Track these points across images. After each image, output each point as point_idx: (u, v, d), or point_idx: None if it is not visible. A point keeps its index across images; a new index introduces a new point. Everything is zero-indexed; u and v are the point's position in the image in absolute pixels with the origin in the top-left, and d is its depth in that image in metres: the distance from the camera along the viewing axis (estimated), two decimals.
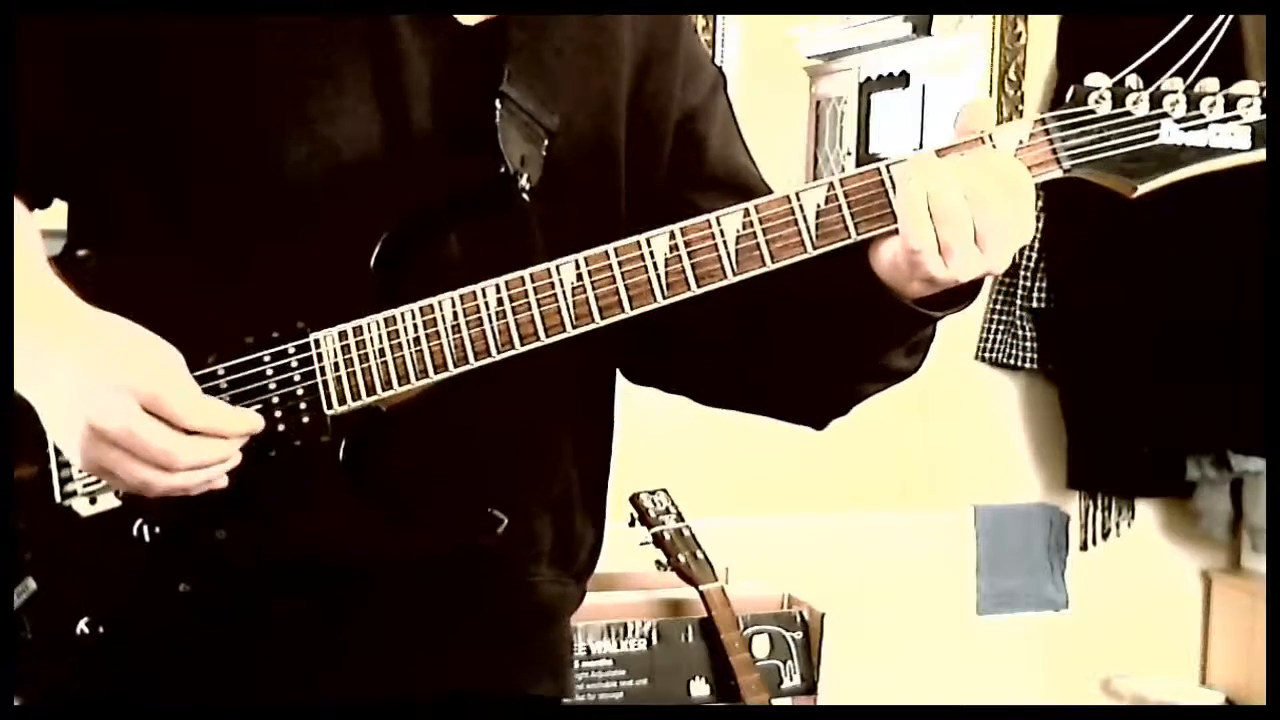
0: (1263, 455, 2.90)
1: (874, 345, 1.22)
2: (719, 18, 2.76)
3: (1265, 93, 1.14)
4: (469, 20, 1.22)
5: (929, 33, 2.94)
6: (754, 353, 1.27)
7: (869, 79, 2.93)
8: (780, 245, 1.14)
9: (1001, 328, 3.05)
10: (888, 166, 1.14)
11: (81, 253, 1.20)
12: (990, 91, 2.97)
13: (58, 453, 1.16)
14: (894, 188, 1.13)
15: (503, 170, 1.15)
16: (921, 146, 2.92)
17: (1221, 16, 1.19)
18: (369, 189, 1.16)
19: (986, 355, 3.07)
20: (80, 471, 1.15)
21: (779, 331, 1.25)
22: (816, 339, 1.23)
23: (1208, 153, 1.15)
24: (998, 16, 2.97)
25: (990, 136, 1.14)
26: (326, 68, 1.18)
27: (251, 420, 1.12)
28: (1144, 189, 1.16)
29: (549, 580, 1.29)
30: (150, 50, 1.17)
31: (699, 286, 1.14)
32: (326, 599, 1.18)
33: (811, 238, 1.14)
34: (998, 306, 3.06)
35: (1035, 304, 3.01)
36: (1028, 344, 3.03)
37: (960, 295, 1.18)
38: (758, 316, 1.23)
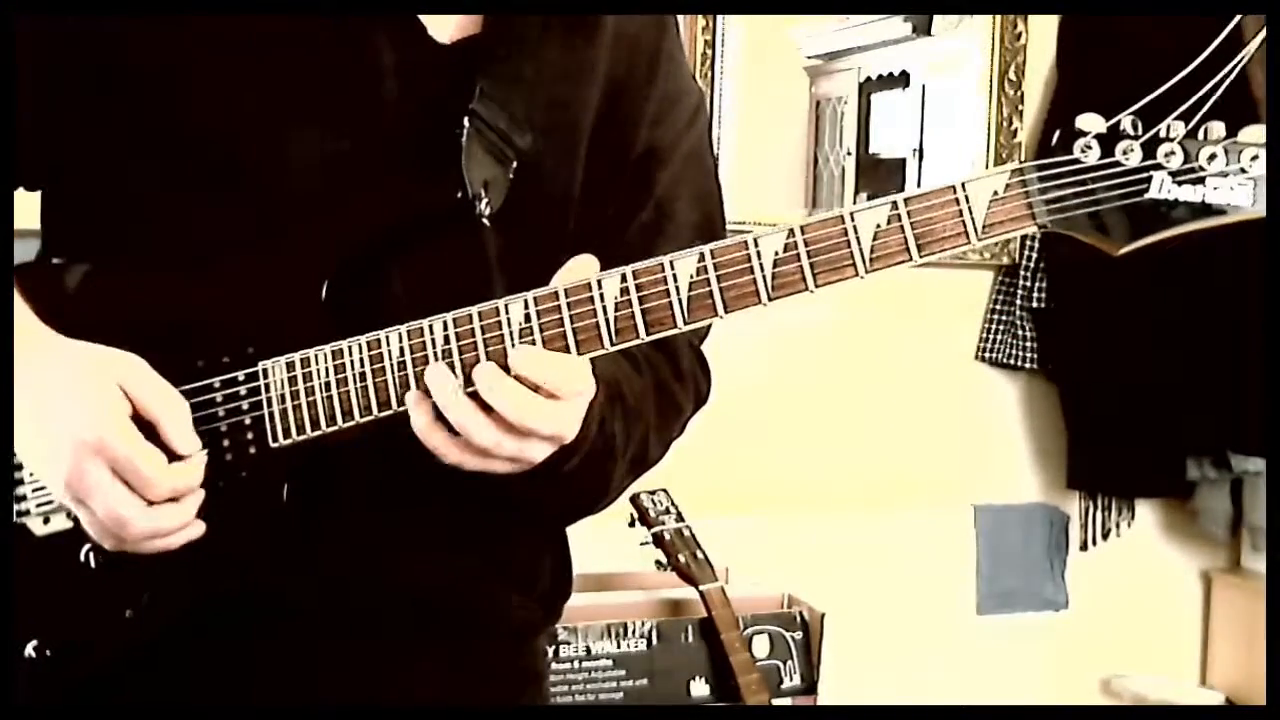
0: (1263, 455, 2.90)
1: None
2: (719, 18, 2.76)
3: (1267, 62, 1.04)
4: (445, 38, 1.20)
5: (929, 33, 2.94)
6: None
7: (869, 79, 2.93)
8: (735, 294, 1.07)
9: (1001, 328, 3.05)
10: (851, 214, 1.07)
11: (57, 261, 1.19)
12: (990, 91, 2.97)
13: (15, 468, 1.15)
14: (859, 238, 1.06)
15: (460, 195, 1.12)
16: (922, 146, 2.93)
17: (1234, 63, 1.06)
18: (332, 208, 1.15)
19: (986, 355, 3.07)
20: (35, 490, 1.15)
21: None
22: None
23: (1202, 210, 1.05)
24: (998, 16, 2.97)
25: (963, 186, 1.06)
26: (299, 84, 1.16)
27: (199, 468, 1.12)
28: (1129, 249, 1.07)
29: (511, 606, 1.28)
30: (124, 57, 1.15)
31: (649, 334, 1.08)
32: (271, 628, 1.17)
33: (768, 288, 1.07)
34: (998, 306, 3.06)
35: (1035, 304, 3.01)
36: (1028, 344, 3.03)
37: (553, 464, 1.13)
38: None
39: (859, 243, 1.06)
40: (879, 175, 2.94)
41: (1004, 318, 3.05)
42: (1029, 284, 3.02)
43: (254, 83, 1.16)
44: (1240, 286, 2.86)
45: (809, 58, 2.94)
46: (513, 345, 1.08)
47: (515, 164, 1.17)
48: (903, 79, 2.94)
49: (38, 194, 1.25)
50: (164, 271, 1.15)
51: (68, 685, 1.15)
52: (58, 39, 1.17)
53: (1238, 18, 1.33)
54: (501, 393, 1.06)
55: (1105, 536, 3.15)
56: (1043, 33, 3.01)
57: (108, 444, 1.07)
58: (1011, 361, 3.04)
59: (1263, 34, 1.25)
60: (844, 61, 2.94)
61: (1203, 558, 3.25)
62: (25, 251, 1.22)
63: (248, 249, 1.14)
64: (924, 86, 2.94)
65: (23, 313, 1.13)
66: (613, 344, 1.09)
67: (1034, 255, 3.01)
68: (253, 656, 1.18)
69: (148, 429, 1.10)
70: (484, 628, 1.27)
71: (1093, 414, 3.03)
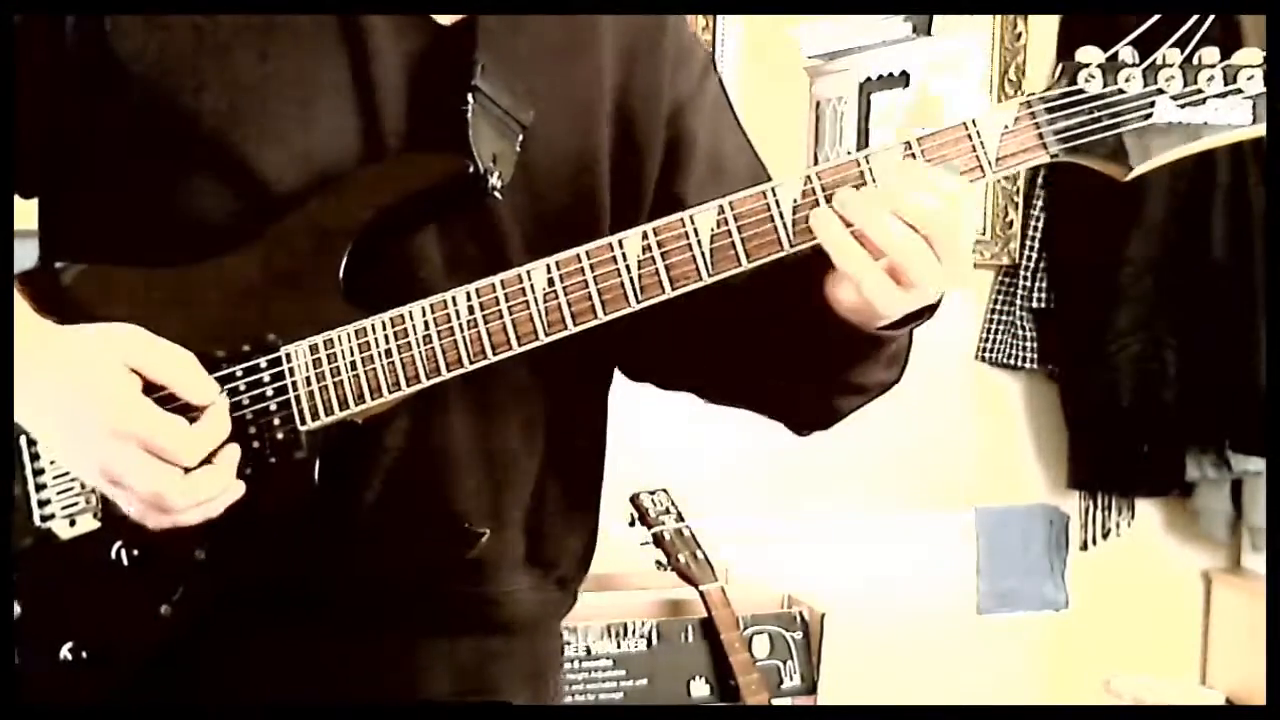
0: (1263, 455, 2.90)
1: (842, 372, 1.20)
2: (719, 18, 2.76)
3: (1267, 64, 1.07)
4: (445, 20, 1.20)
5: (929, 33, 2.93)
6: (738, 361, 1.26)
7: (869, 79, 2.93)
8: (756, 243, 1.10)
9: (1001, 328, 3.05)
10: (866, 158, 1.10)
11: (59, 265, 1.18)
12: (990, 91, 2.97)
13: (36, 473, 1.15)
14: (874, 179, 1.09)
15: (472, 170, 1.13)
16: None
17: None
18: (341, 191, 1.15)
19: (987, 355, 3.07)
20: (60, 493, 1.15)
21: (753, 349, 1.23)
22: (786, 360, 1.22)
23: (1205, 130, 1.10)
24: (998, 16, 2.97)
25: (974, 122, 1.10)
26: (300, 73, 1.16)
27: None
28: (1137, 171, 1.11)
29: (526, 589, 1.27)
30: (119, 58, 1.15)
31: (673, 289, 1.11)
32: (305, 616, 1.17)
33: (788, 234, 1.10)
34: (998, 306, 3.05)
35: (1035, 304, 3.01)
36: (1028, 344, 3.03)
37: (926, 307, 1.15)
38: (734, 329, 1.21)
39: (874, 184, 1.09)
40: None
41: (1004, 318, 3.05)
42: (1029, 284, 3.02)
43: (257, 72, 1.16)
44: (1240, 285, 2.86)
45: (809, 58, 2.94)
46: (539, 311, 1.11)
47: (520, 137, 1.18)
48: (903, 79, 2.94)
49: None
50: (174, 266, 1.15)
51: (106, 686, 1.15)
52: (54, 42, 1.16)
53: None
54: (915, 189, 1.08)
55: (1105, 536, 3.15)
56: (1043, 33, 3.01)
57: (128, 426, 1.06)
58: (1011, 361, 3.04)
59: None
60: (844, 61, 2.93)
61: (1203, 558, 3.25)
62: (23, 251, 1.21)
63: (259, 237, 1.14)
64: (924, 86, 2.94)
65: (21, 309, 1.12)
66: (638, 301, 1.11)
67: (1034, 255, 3.01)
68: (278, 647, 1.18)
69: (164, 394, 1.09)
70: (492, 610, 1.25)
71: (1093, 414, 3.03)
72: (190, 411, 1.09)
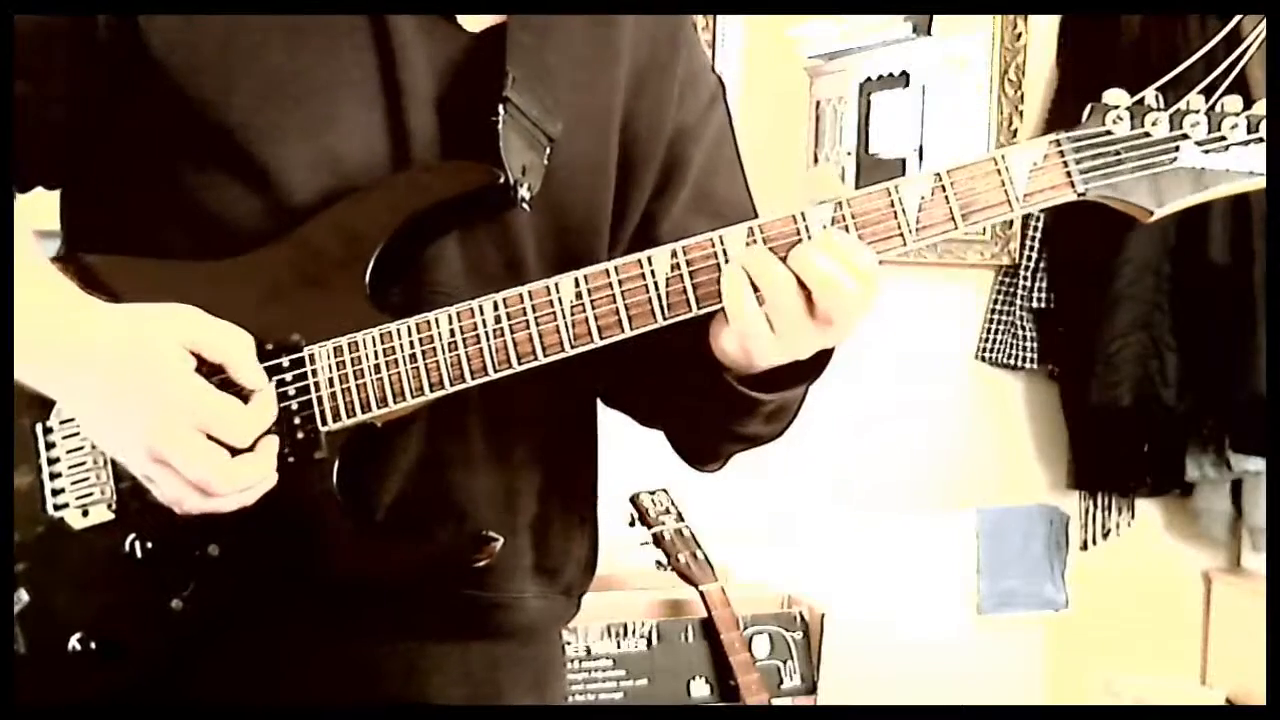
0: (1263, 455, 2.90)
1: (722, 420, 1.22)
2: (719, 18, 2.76)
3: (1267, 64, 1.10)
4: (474, 26, 1.21)
5: (929, 33, 2.93)
6: (646, 399, 1.30)
7: (869, 79, 2.93)
8: None
9: (1002, 328, 3.05)
10: (897, 187, 1.11)
11: (83, 255, 1.18)
12: (990, 91, 2.97)
13: (50, 461, 1.15)
14: (904, 209, 1.11)
15: (502, 181, 1.14)
16: (921, 147, 2.93)
17: (1250, 38, 1.16)
18: (371, 196, 1.15)
19: (987, 355, 3.07)
20: (74, 483, 1.15)
21: (653, 394, 1.27)
22: (677, 405, 1.25)
23: (1228, 176, 1.12)
24: (998, 16, 2.97)
25: (1003, 158, 1.12)
26: (329, 75, 1.17)
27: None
28: (1161, 213, 1.14)
29: (533, 595, 1.27)
30: (151, 55, 1.15)
31: (700, 307, 1.12)
32: (316, 615, 1.17)
33: None
34: (998, 306, 3.05)
35: (1035, 304, 3.01)
36: (1028, 344, 3.03)
37: (809, 368, 1.16)
38: (637, 376, 1.24)
39: (905, 214, 1.11)
40: (879, 175, 2.93)
41: (1004, 318, 3.05)
42: (1029, 284, 3.02)
43: (284, 72, 1.16)
44: (1239, 285, 2.86)
45: (809, 58, 2.94)
46: (565, 324, 1.12)
47: (549, 149, 1.19)
48: (903, 79, 2.93)
49: (33, 193, 1.25)
50: (200, 262, 1.15)
51: (111, 678, 1.15)
52: (83, 35, 1.16)
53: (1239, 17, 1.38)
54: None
55: (1105, 536, 3.15)
56: (1043, 33, 3.01)
57: (184, 404, 1.06)
58: (1011, 361, 3.04)
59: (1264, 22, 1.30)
60: (844, 61, 2.93)
61: (1203, 558, 3.25)
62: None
63: (285, 236, 1.15)
64: (924, 86, 2.93)
65: (67, 288, 1.11)
66: (665, 318, 1.12)
67: (1034, 255, 3.01)
68: (288, 645, 1.18)
69: (214, 371, 1.09)
70: (496, 616, 1.26)
71: (1093, 414, 3.03)
72: (239, 394, 1.09)
